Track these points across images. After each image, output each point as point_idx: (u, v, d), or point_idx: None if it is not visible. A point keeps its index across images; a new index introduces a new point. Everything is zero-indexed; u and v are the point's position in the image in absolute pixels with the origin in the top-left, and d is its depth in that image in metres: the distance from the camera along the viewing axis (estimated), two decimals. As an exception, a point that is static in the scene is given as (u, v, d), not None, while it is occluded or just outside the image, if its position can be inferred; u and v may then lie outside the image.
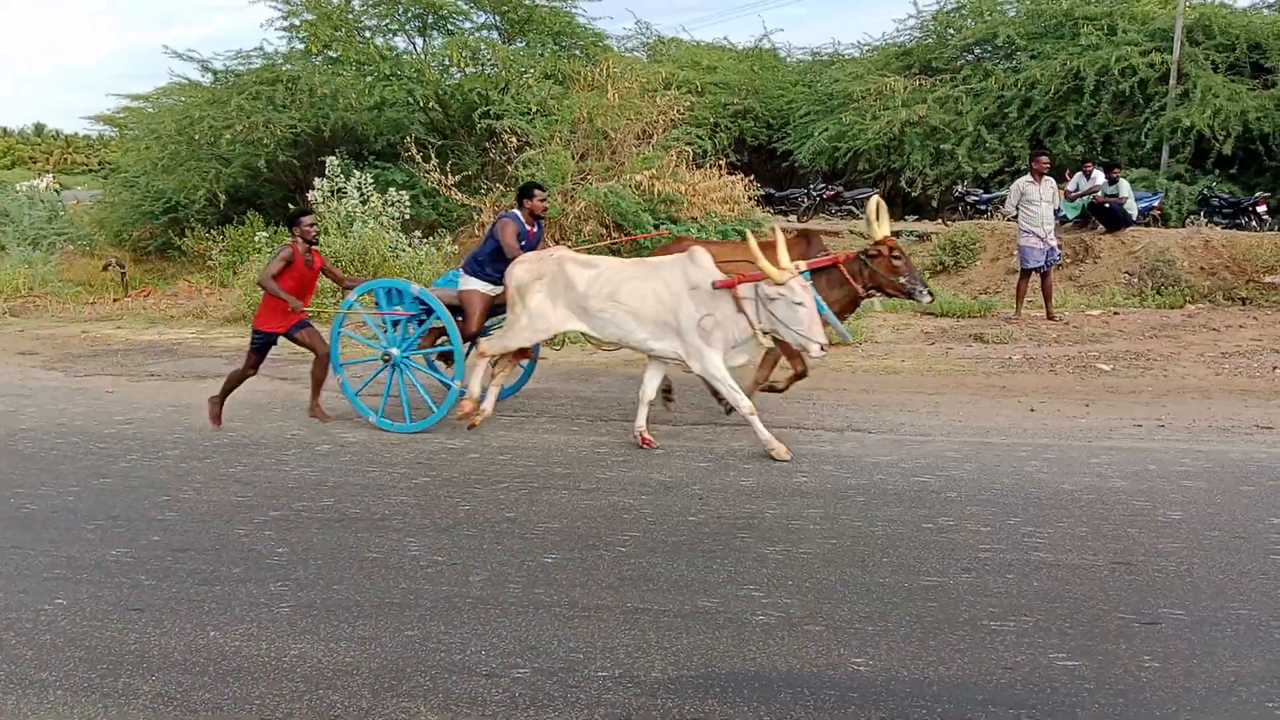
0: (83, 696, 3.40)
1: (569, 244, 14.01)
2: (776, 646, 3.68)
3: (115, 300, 13.81)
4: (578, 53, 17.16)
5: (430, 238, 13.74)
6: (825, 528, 4.89)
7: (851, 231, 15.91)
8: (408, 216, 13.74)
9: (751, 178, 16.33)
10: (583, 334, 6.68)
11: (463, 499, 5.40)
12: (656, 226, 13.95)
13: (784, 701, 3.31)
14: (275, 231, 13.56)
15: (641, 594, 4.14)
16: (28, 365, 9.61)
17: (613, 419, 7.12)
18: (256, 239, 13.55)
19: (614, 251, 13.96)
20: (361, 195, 13.46)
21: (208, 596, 4.20)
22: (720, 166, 16.28)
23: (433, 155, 14.66)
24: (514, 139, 14.82)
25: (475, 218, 14.76)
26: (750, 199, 15.79)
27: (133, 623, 3.96)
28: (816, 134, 21.07)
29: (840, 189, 20.64)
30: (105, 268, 15.33)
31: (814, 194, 20.56)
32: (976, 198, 18.26)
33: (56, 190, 20.20)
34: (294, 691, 3.40)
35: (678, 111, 16.23)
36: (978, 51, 21.17)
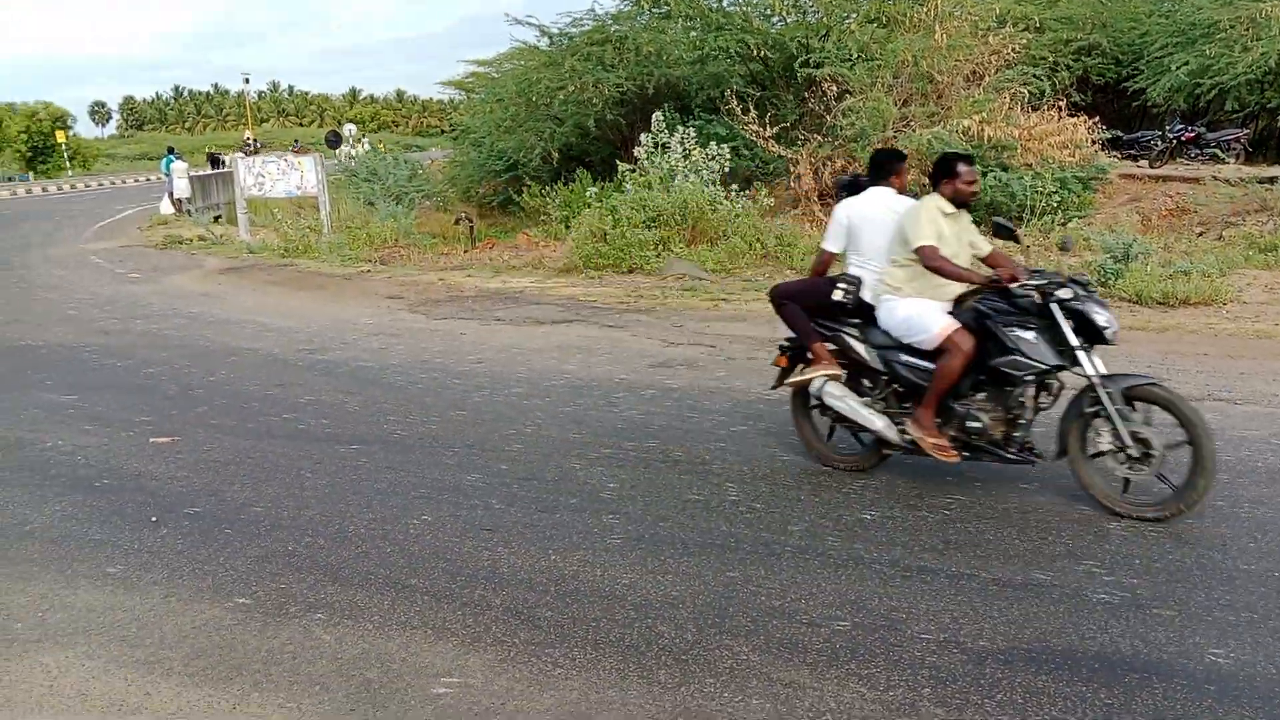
0: (444, 604, 3.82)
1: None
2: (1120, 628, 3.42)
3: (465, 251, 15.20)
4: (903, -7, 16.44)
5: (747, 190, 13.86)
6: (1178, 505, 4.44)
7: (1215, 178, 14.13)
8: (727, 170, 13.93)
9: (1096, 120, 14.98)
10: None
11: (780, 449, 5.46)
12: (984, 174, 13.19)
13: (1128, 686, 3.07)
14: (603, 187, 14.25)
15: (968, 559, 3.99)
16: (395, 308, 10.84)
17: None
18: (587, 194, 14.31)
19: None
20: (684, 149, 13.79)
21: (548, 523, 4.56)
22: (1060, 108, 15.07)
23: (751, 107, 14.73)
24: (834, 87, 14.53)
25: (791, 170, 14.70)
26: (1094, 143, 14.49)
27: (485, 541, 4.40)
28: (1174, 69, 18.87)
29: (1201, 130, 18.39)
30: (456, 221, 16.90)
31: (1170, 136, 18.46)
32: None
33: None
34: (626, 618, 3.63)
35: (1012, 50, 15.17)
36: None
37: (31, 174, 55.01)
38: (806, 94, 15.63)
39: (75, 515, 4.90)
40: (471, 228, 16.41)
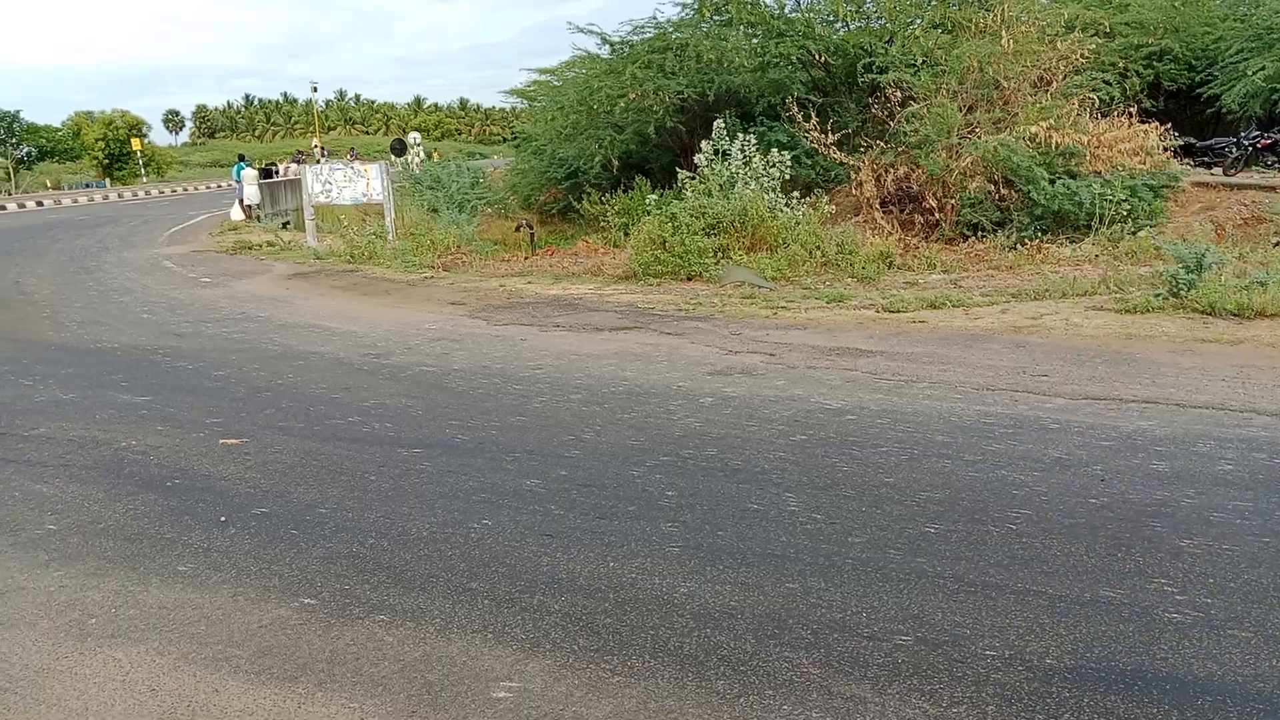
0: (504, 608, 3.85)
1: (953, 201, 13.45)
2: (1193, 648, 3.32)
3: (525, 258, 15.34)
4: (969, -2, 16.21)
5: (807, 197, 13.77)
6: (1255, 524, 4.31)
7: (1294, 186, 13.69)
8: (787, 177, 13.86)
9: (1168, 126, 14.63)
10: None
11: (840, 460, 5.41)
12: (1051, 182, 12.94)
13: (1201, 709, 2.98)
14: (662, 194, 14.28)
15: (1034, 575, 3.91)
16: (457, 314, 10.97)
17: (999, 388, 6.74)
18: (647, 201, 14.35)
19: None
20: (744, 156, 13.76)
21: (607, 530, 4.57)
22: (1130, 115, 14.75)
23: (813, 114, 14.65)
24: (898, 93, 14.38)
25: (852, 176, 14.58)
26: (1166, 150, 14.14)
27: (545, 547, 4.42)
28: (1250, 74, 18.30)
29: (1278, 137, 17.79)
30: (517, 229, 17.07)
31: (1245, 143, 17.91)
32: None
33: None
34: (684, 627, 3.62)
35: (1081, 56, 14.89)
36: None
37: (108, 180, 56.79)
38: (869, 100, 15.50)
39: (147, 514, 5.04)
40: (532, 235, 16.56)
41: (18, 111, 53.62)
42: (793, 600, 3.78)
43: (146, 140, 63.68)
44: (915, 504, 4.72)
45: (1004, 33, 14.38)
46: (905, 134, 13.99)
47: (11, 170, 52.80)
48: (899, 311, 9.57)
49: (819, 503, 4.79)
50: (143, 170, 59.10)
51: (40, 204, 40.87)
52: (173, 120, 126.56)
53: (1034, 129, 13.37)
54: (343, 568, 4.28)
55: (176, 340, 9.95)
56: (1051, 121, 13.51)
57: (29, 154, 55.90)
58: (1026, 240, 12.71)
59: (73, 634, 3.80)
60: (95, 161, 58.28)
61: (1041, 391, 6.62)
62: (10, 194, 47.66)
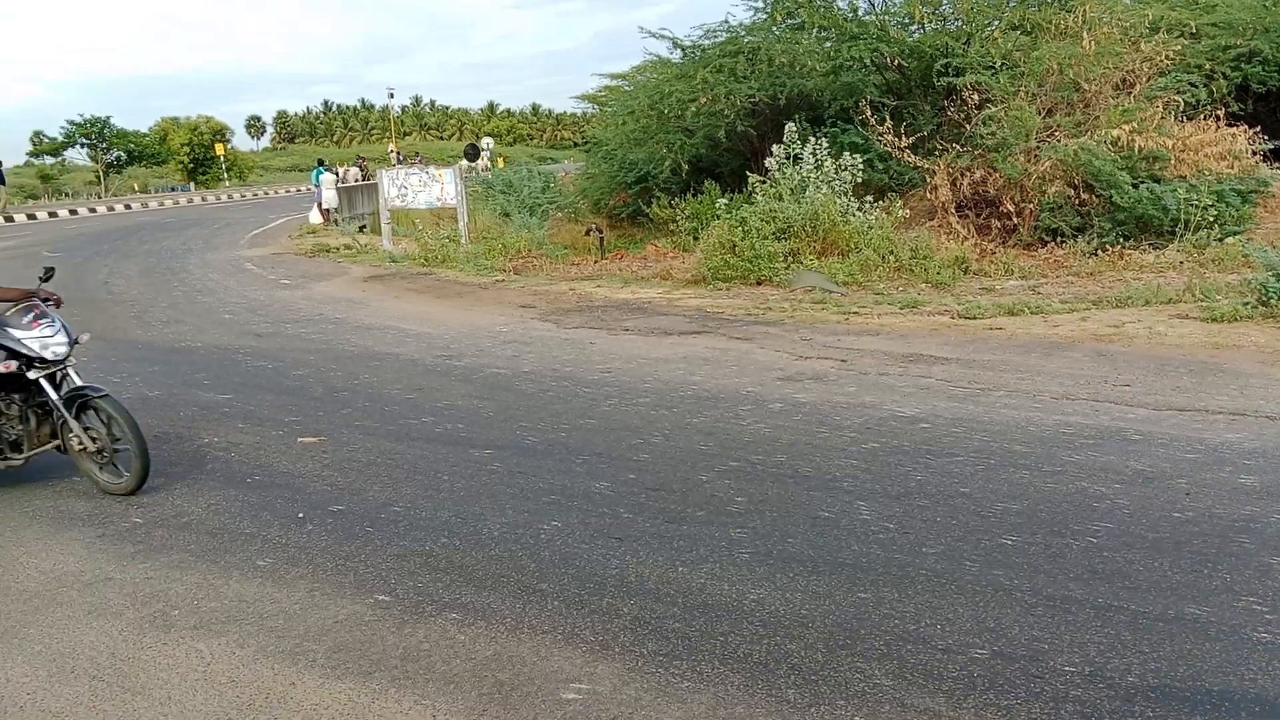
0: (573, 610, 3.87)
1: (1032, 205, 13.16)
2: (1286, 672, 3.19)
3: (595, 262, 15.42)
4: (1049, -1, 15.82)
5: (880, 201, 13.60)
6: (1354, 543, 4.13)
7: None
8: (859, 180, 13.71)
9: (1257, 130, 14.11)
10: None
11: (914, 468, 5.32)
12: (1134, 186, 12.57)
13: (1296, 736, 2.86)
14: (732, 198, 14.23)
15: (1116, 591, 3.79)
16: (527, 317, 11.08)
17: (1079, 398, 6.57)
18: (717, 205, 14.31)
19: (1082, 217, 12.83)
20: (816, 160, 13.64)
21: (676, 534, 4.57)
22: (1217, 118, 14.25)
23: (886, 117, 14.46)
24: (974, 95, 14.11)
25: (927, 180, 14.35)
26: (1255, 154, 13.64)
27: (614, 549, 4.43)
28: (1346, 75, 17.55)
29: (1375, 141, 17.03)
30: (587, 232, 17.16)
31: (1340, 147, 17.17)
32: None
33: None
34: (754, 634, 3.59)
35: (1165, 58, 14.43)
36: None
37: (192, 184, 58.65)
38: (945, 103, 15.24)
39: (228, 509, 5.19)
40: (601, 239, 16.64)
41: (108, 117, 55.79)
42: (865, 610, 3.73)
43: (229, 145, 65.63)
44: (992, 515, 4.62)
45: (1085, 34, 14.01)
46: (982, 137, 13.71)
47: (101, 174, 54.86)
48: (975, 318, 9.39)
49: (892, 511, 4.72)
50: (225, 174, 60.89)
51: (128, 207, 42.39)
52: (254, 125, 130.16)
53: (1116, 132, 13.00)
54: (416, 565, 4.35)
55: (256, 340, 10.22)
56: (1135, 124, 13.11)
57: (118, 158, 58.04)
58: (1108, 246, 12.36)
59: (157, 624, 3.93)
60: (180, 166, 60.24)
61: (1124, 402, 6.44)
62: (100, 196, 49.52)
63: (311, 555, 4.52)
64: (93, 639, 3.84)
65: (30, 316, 5.44)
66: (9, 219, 33.66)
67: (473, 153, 29.12)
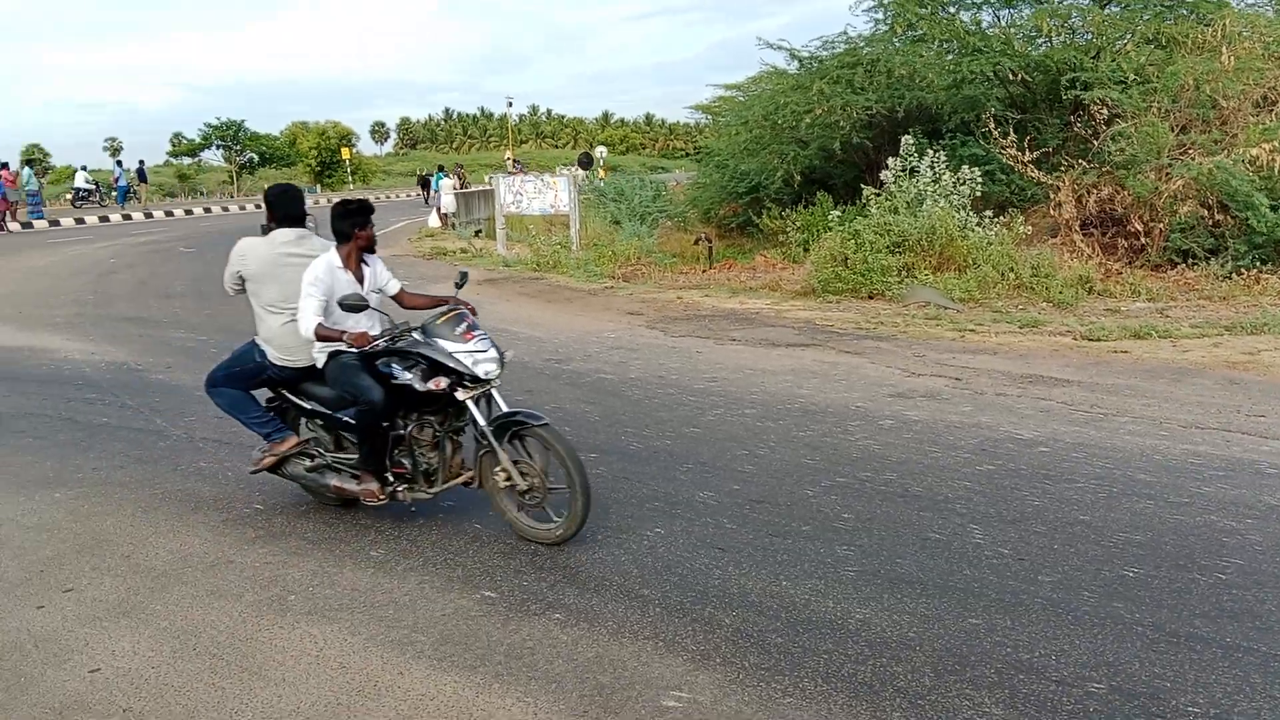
0: (675, 617, 3.87)
1: (1161, 225, 12.59)
2: None
3: (703, 271, 15.42)
4: (1185, 12, 15.11)
5: (1000, 217, 13.22)
6: None
7: None
8: (978, 194, 13.35)
9: None
10: None
11: (1031, 493, 5.14)
12: (1273, 209, 11.90)
13: None
14: (845, 210, 14.04)
15: (1245, 630, 3.59)
16: (635, 324, 11.14)
17: (1210, 427, 6.25)
18: (829, 217, 14.15)
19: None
20: (934, 173, 13.36)
21: (780, 548, 4.52)
22: (1368, 137, 13.36)
23: (1010, 131, 14.06)
24: (1103, 110, 13.60)
25: (1050, 196, 13.88)
26: None
27: (716, 560, 4.42)
28: None
29: None
30: (696, 242, 17.17)
31: None
32: None
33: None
34: (858, 654, 3.53)
35: (1312, 75, 13.63)
36: None
37: (318, 186, 60.96)
38: (1071, 118, 14.73)
39: (345, 499, 5.35)
40: (710, 248, 16.62)
41: (242, 120, 58.41)
42: (975, 637, 3.62)
43: (354, 150, 67.98)
44: (1113, 545, 4.43)
45: (1224, 49, 13.36)
46: (1110, 153, 13.20)
47: (234, 175, 57.51)
48: (1099, 340, 9.03)
49: (1006, 537, 4.57)
50: (350, 178, 63.11)
51: (258, 207, 44.34)
52: (379, 131, 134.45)
53: (1255, 151, 12.33)
54: (521, 563, 4.41)
55: (374, 338, 10.54)
56: (1276, 144, 12.42)
57: (250, 160, 60.72)
58: (1243, 270, 11.74)
59: (274, 608, 4.08)
60: (308, 168, 62.62)
61: (1258, 433, 6.10)
62: (233, 196, 51.95)
63: (422, 549, 4.64)
64: (214, 619, 4.01)
65: (463, 327, 4.68)
66: (148, 215, 35.62)
67: (586, 161, 29.48)
